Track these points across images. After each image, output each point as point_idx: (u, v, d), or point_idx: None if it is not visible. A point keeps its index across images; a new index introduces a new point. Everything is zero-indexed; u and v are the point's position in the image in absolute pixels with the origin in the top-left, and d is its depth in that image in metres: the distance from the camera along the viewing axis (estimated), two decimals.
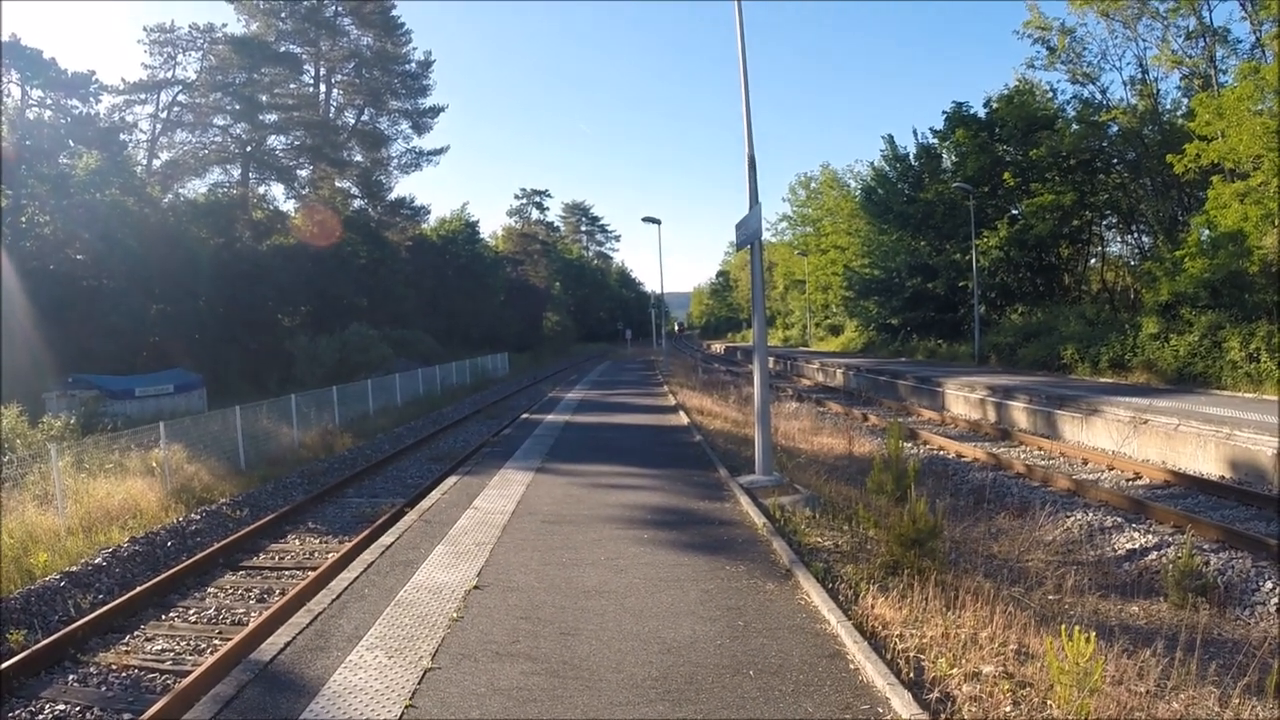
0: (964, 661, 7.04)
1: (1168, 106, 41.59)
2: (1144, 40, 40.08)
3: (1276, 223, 28.39)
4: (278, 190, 76.02)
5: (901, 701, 6.30)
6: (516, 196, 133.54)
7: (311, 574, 12.80)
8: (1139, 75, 41.69)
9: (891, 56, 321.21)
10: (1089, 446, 22.35)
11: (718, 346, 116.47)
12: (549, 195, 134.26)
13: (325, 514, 17.68)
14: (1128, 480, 18.68)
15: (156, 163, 55.67)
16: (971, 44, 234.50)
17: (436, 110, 71.90)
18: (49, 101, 45.46)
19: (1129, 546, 13.50)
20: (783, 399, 34.22)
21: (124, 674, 9.63)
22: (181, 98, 56.46)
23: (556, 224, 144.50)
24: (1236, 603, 11.10)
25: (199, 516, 16.71)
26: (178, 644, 10.52)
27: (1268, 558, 12.28)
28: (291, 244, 53.41)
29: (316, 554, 14.62)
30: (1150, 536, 13.66)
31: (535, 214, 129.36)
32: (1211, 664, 7.23)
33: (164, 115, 56.36)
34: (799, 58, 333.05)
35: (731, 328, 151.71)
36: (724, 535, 11.66)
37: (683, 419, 25.75)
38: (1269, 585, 11.19)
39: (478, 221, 78.20)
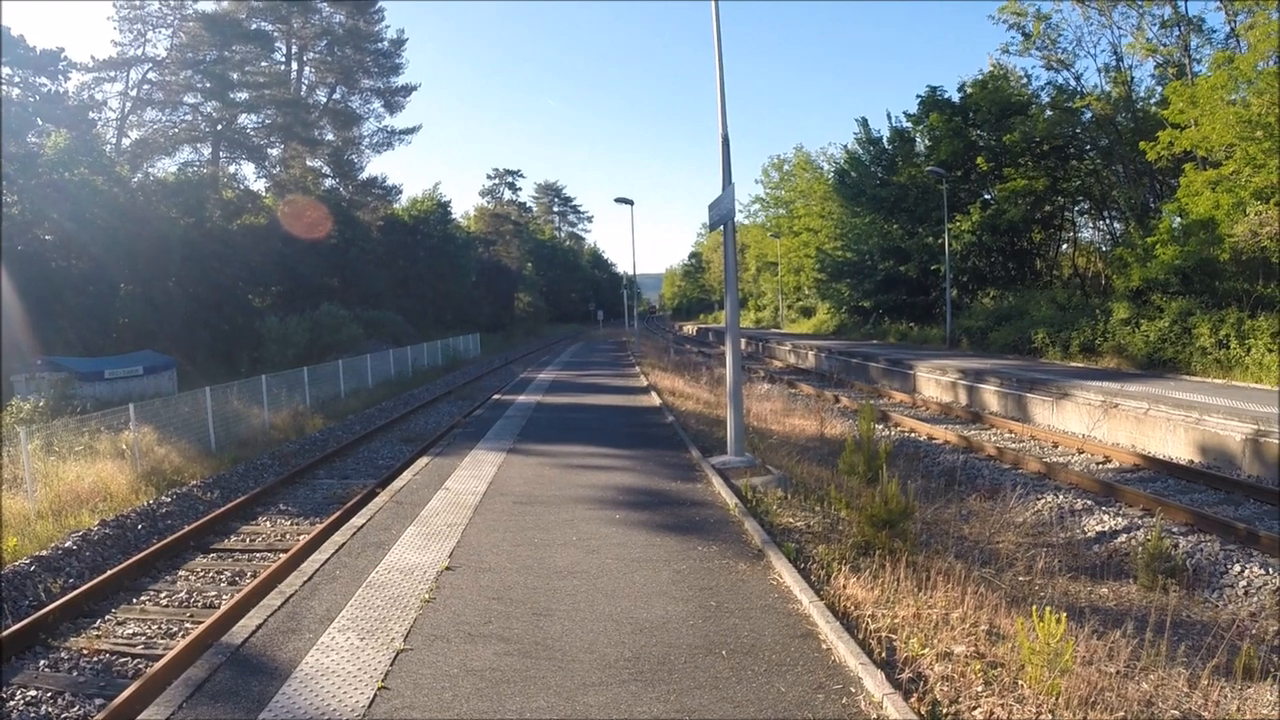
0: (936, 642, 7.09)
1: (1141, 94, 41.72)
2: (1119, 28, 40.31)
3: (1247, 211, 28.59)
4: (248, 169, 75.56)
5: (874, 681, 6.33)
6: (489, 177, 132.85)
7: (283, 556, 12.75)
8: (1113, 62, 41.87)
9: (867, 39, 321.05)
10: (1059, 430, 22.53)
11: (689, 328, 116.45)
12: (521, 175, 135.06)
13: (297, 495, 17.60)
14: (1098, 464, 18.85)
15: (126, 141, 55.02)
16: (947, 28, 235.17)
17: (409, 89, 71.49)
18: (16, 79, 44.82)
19: (1099, 529, 13.63)
20: (755, 380, 34.25)
21: (95, 658, 9.57)
22: (151, 75, 55.84)
23: (529, 204, 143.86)
24: (1205, 585, 11.23)
25: (169, 499, 16.60)
26: (149, 628, 10.46)
27: (1236, 541, 12.42)
28: (263, 224, 52.94)
29: (288, 536, 14.56)
30: (1120, 519, 13.78)
31: (507, 194, 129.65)
32: (1180, 645, 7.32)
33: (133, 93, 55.73)
34: (775, 38, 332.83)
35: (703, 309, 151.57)
36: (696, 516, 11.68)
37: (655, 400, 25.75)
38: (1237, 568, 11.32)
39: (449, 201, 77.31)
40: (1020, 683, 6.33)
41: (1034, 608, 6.76)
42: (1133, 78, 41.65)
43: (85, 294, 36.53)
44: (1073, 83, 43.65)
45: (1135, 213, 39.79)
